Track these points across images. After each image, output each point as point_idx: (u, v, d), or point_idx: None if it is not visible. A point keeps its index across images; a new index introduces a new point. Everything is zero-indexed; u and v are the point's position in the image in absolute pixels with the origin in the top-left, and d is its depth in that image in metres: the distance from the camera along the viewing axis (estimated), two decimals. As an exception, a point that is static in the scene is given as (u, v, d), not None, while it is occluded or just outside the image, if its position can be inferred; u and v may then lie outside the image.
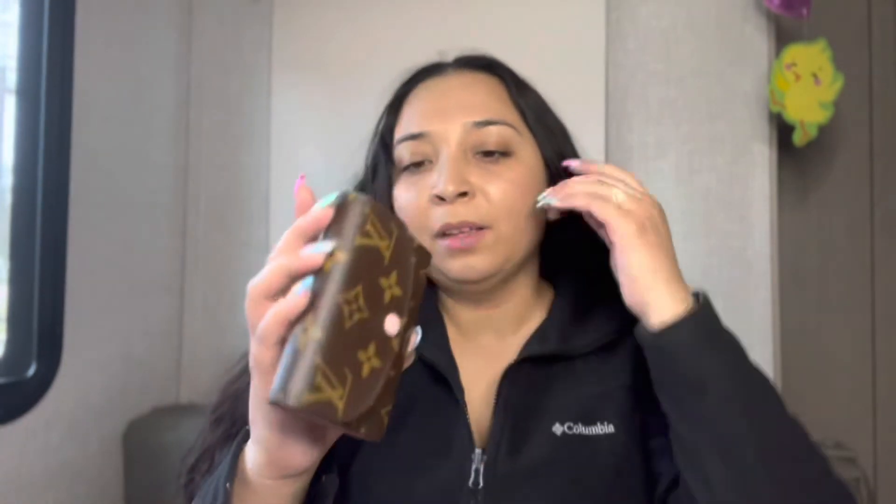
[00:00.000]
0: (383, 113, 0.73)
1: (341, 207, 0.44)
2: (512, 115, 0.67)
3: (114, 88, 1.17)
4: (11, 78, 1.04)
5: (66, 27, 1.06)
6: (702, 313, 0.54)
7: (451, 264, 0.64)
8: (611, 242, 0.57)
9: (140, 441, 1.17)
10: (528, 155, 0.67)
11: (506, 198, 0.63)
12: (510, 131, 0.66)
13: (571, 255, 0.72)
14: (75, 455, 1.09)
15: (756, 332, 1.12)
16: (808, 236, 1.17)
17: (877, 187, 1.15)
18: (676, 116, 1.18)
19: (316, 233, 0.45)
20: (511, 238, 0.65)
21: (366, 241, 0.44)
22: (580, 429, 0.61)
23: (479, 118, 0.65)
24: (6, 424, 0.97)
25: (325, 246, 0.44)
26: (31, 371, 1.02)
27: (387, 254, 0.45)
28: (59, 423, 1.05)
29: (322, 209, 0.45)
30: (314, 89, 1.37)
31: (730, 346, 0.55)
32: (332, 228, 0.44)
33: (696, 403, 0.52)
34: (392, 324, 0.45)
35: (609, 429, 0.61)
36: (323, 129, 1.34)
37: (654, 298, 0.54)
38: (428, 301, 0.71)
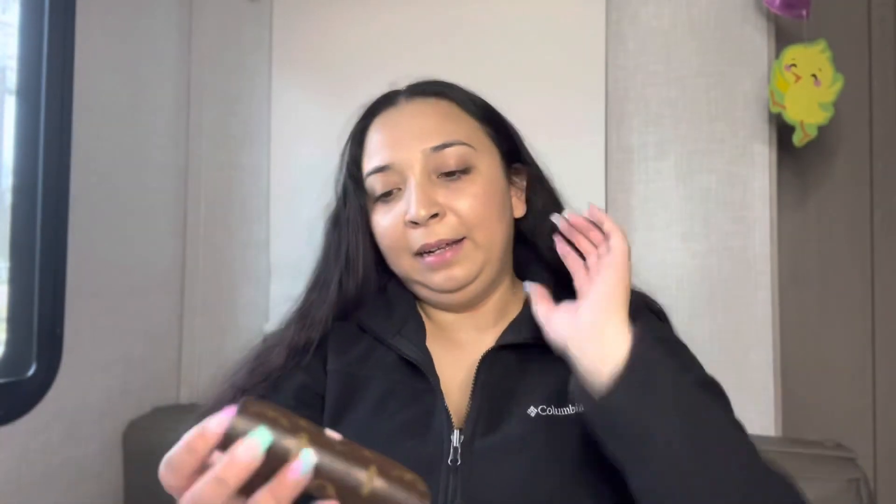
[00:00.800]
0: (346, 145, 0.80)
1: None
2: (466, 133, 0.73)
3: (114, 89, 1.17)
4: (11, 78, 1.04)
5: (66, 27, 1.06)
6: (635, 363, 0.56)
7: (434, 277, 0.71)
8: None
9: (140, 441, 1.17)
10: (486, 165, 0.73)
11: (473, 210, 0.70)
12: (466, 149, 0.71)
13: (540, 247, 0.78)
14: (75, 455, 1.09)
15: (756, 332, 1.12)
16: (808, 236, 1.17)
17: (877, 187, 1.15)
18: (676, 117, 1.18)
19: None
20: (486, 242, 0.71)
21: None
22: (552, 410, 0.65)
23: (435, 143, 0.71)
24: (6, 424, 0.97)
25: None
26: (31, 371, 1.02)
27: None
28: (59, 423, 1.05)
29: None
30: (314, 89, 1.37)
31: (667, 391, 0.56)
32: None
33: (643, 461, 0.54)
34: None
35: (580, 408, 0.63)
36: (323, 128, 1.34)
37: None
38: (408, 303, 0.77)
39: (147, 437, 1.17)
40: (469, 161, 0.71)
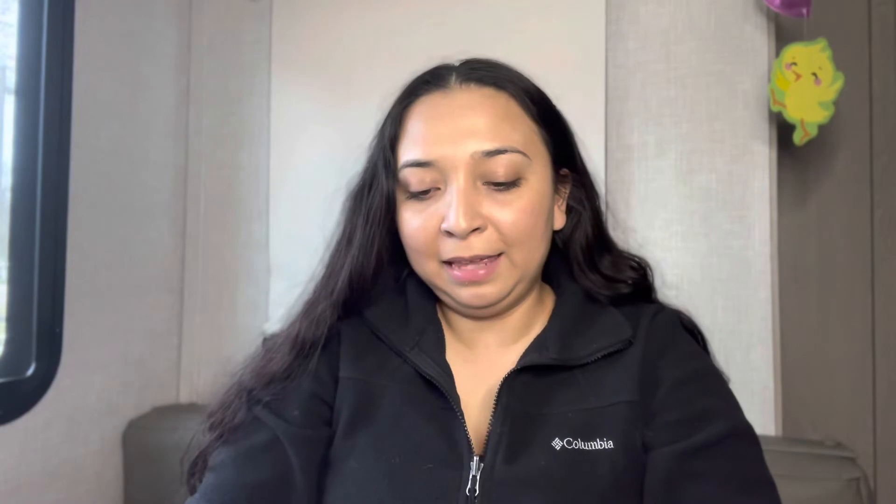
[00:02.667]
0: (386, 120, 0.71)
1: None
2: (522, 138, 0.65)
3: (113, 88, 1.17)
4: (11, 78, 1.04)
5: (65, 27, 1.06)
6: None
7: (461, 292, 0.65)
8: None
9: (140, 441, 1.17)
10: (537, 178, 0.65)
11: (517, 227, 0.63)
12: (520, 158, 0.64)
13: (574, 258, 0.72)
14: (75, 455, 1.09)
15: (756, 332, 1.12)
16: (808, 236, 1.17)
17: (877, 187, 1.15)
18: (676, 116, 1.17)
19: None
20: (523, 261, 0.65)
21: None
22: (579, 444, 0.60)
23: (488, 147, 0.63)
24: (6, 424, 0.98)
25: None
26: (31, 371, 1.02)
27: None
28: (58, 422, 1.05)
29: None
30: (314, 89, 1.37)
31: None
32: None
33: None
34: None
35: (608, 444, 0.60)
36: (322, 128, 1.34)
37: None
38: (427, 307, 0.71)
39: (147, 436, 1.17)
40: (520, 172, 0.64)
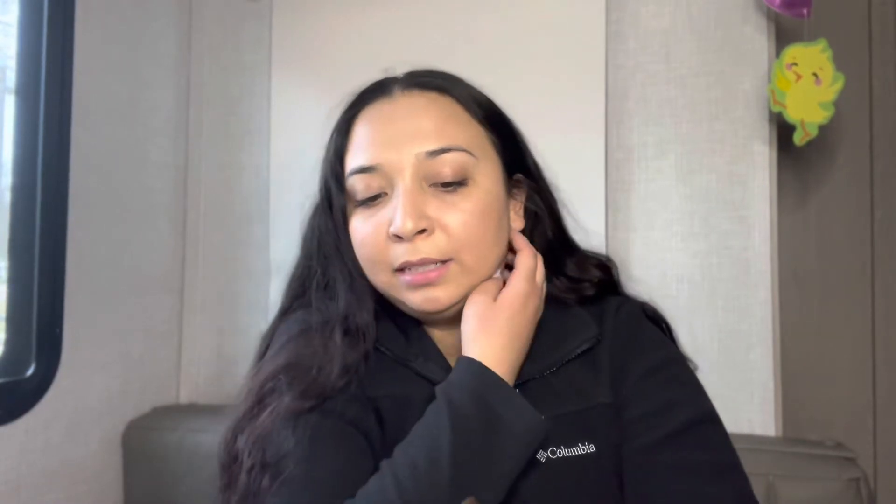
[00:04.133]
0: (331, 136, 0.72)
1: None
2: (467, 138, 0.65)
3: (113, 88, 1.17)
4: (11, 78, 1.04)
5: (65, 27, 1.06)
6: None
7: (413, 297, 0.63)
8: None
9: (140, 441, 1.17)
10: (485, 177, 0.65)
11: (466, 229, 0.62)
12: (465, 157, 0.63)
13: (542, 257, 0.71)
14: (75, 455, 1.09)
15: (756, 332, 1.12)
16: (808, 236, 1.17)
17: (877, 187, 1.15)
18: (676, 116, 1.17)
19: None
20: (474, 267, 0.63)
21: None
22: (562, 451, 0.60)
23: (432, 147, 0.62)
24: (6, 424, 0.98)
25: None
26: (31, 371, 1.02)
27: None
28: (58, 423, 1.05)
29: None
30: (314, 89, 1.37)
31: None
32: None
33: None
34: None
35: (590, 448, 0.60)
36: (323, 128, 1.33)
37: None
38: (411, 319, 0.70)
39: (147, 436, 1.17)
40: (467, 171, 0.63)
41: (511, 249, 0.70)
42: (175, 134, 1.33)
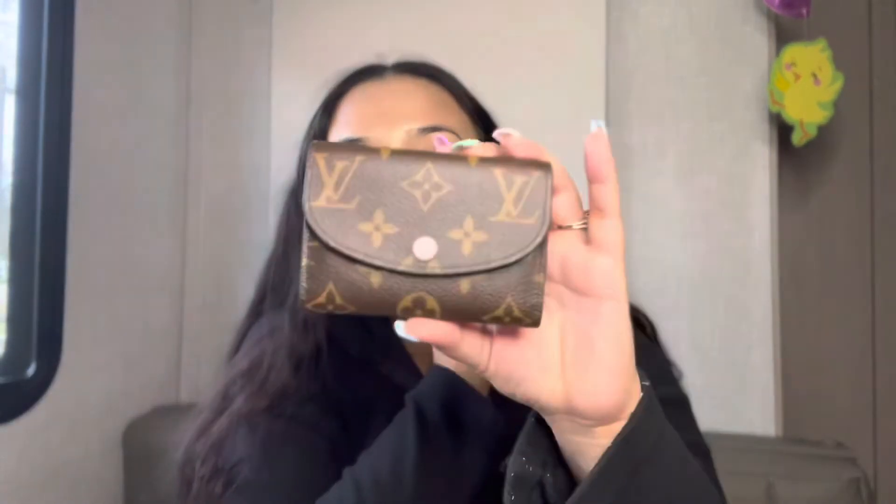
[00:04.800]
0: (315, 115, 0.69)
1: None
2: (456, 124, 0.64)
3: (113, 88, 1.17)
4: (11, 78, 1.04)
5: (65, 27, 1.06)
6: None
7: None
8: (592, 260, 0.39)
9: (140, 441, 1.17)
10: None
11: None
12: (454, 139, 0.61)
13: None
14: (75, 455, 1.09)
15: (756, 332, 1.12)
16: (808, 236, 1.17)
17: (877, 187, 1.15)
18: (676, 116, 1.18)
19: None
20: None
21: None
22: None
23: (422, 124, 0.61)
24: (6, 424, 0.97)
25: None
26: (31, 371, 1.02)
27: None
28: (59, 423, 1.05)
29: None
30: (314, 89, 1.36)
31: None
32: None
33: None
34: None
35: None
36: (323, 128, 1.34)
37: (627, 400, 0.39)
38: (381, 321, 0.66)
39: (147, 436, 1.17)
40: None
41: None
42: (175, 134, 1.32)
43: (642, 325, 0.70)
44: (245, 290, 1.40)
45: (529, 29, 1.23)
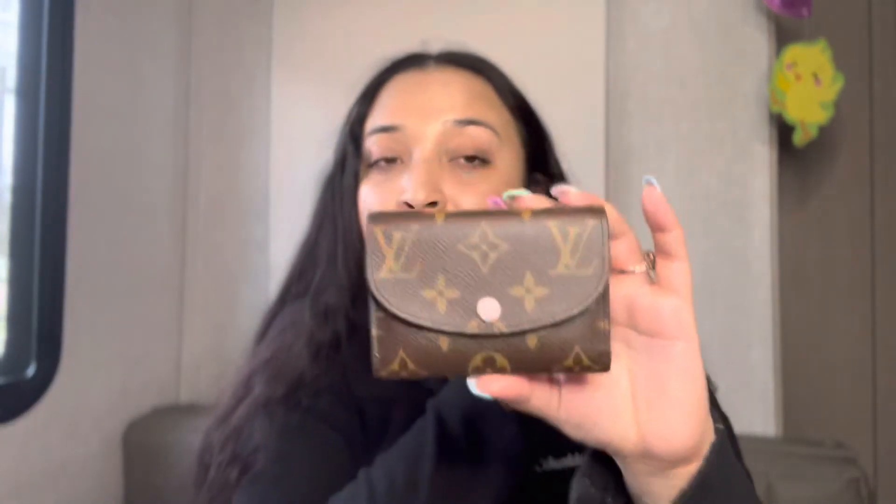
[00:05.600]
0: (355, 101, 0.70)
1: None
2: (496, 119, 0.63)
3: (114, 88, 1.17)
4: (11, 78, 1.04)
5: (66, 27, 1.06)
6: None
7: None
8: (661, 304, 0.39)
9: (140, 441, 1.17)
10: (506, 165, 0.63)
11: None
12: (491, 135, 0.61)
13: None
14: (75, 455, 1.09)
15: (756, 332, 1.12)
16: (808, 236, 1.17)
17: (877, 187, 1.15)
18: (676, 116, 1.17)
19: None
20: None
21: None
22: (552, 463, 0.57)
23: (460, 116, 0.60)
24: (6, 424, 0.97)
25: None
26: (31, 371, 1.02)
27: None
28: (58, 423, 1.05)
29: None
30: (314, 89, 1.36)
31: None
32: None
33: None
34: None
35: (578, 460, 0.55)
36: (323, 128, 1.34)
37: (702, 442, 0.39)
38: None
39: (147, 437, 1.17)
40: (490, 151, 0.61)
41: None
42: (175, 134, 1.32)
43: None
44: (245, 289, 1.41)
45: (529, 29, 1.23)
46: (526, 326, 0.35)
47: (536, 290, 0.35)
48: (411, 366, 0.36)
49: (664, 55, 1.18)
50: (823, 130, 1.07)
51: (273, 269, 1.38)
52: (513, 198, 0.39)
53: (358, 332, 0.66)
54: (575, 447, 0.56)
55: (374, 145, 0.63)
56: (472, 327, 0.35)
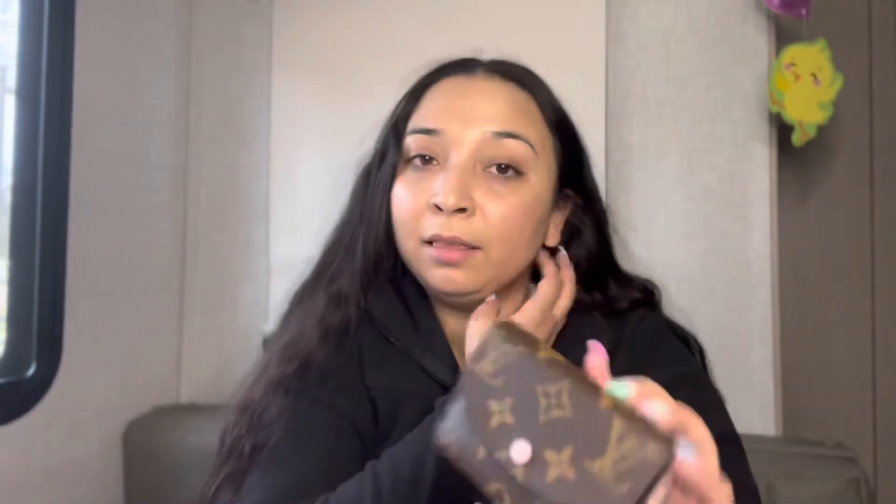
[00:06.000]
0: (402, 99, 0.71)
1: None
2: (534, 134, 0.65)
3: (114, 88, 1.17)
4: (11, 78, 1.04)
5: (66, 27, 1.06)
6: None
7: (433, 273, 0.63)
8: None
9: (140, 441, 1.17)
10: (539, 181, 0.64)
11: (504, 222, 0.61)
12: (527, 150, 0.63)
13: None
14: (75, 455, 1.09)
15: (756, 332, 1.12)
16: (808, 236, 1.17)
17: (877, 187, 1.15)
18: (676, 116, 1.17)
19: None
20: (500, 263, 0.63)
21: None
22: None
23: (499, 128, 0.62)
24: (6, 424, 0.97)
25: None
26: (31, 371, 1.02)
27: None
28: (59, 423, 1.05)
29: None
30: (315, 89, 1.37)
31: None
32: None
33: None
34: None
35: None
36: (323, 128, 1.34)
37: None
38: (427, 307, 0.70)
39: (147, 437, 1.17)
40: (524, 164, 0.63)
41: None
42: (175, 134, 1.33)
43: (692, 350, 0.70)
44: (245, 290, 1.40)
45: (529, 29, 1.23)
46: (535, 491, 0.36)
47: (566, 468, 0.35)
48: (453, 452, 0.39)
49: (664, 55, 1.19)
50: (822, 130, 1.07)
51: (273, 270, 1.38)
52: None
53: (376, 327, 0.68)
54: None
55: (412, 143, 0.65)
56: (500, 455, 0.37)
